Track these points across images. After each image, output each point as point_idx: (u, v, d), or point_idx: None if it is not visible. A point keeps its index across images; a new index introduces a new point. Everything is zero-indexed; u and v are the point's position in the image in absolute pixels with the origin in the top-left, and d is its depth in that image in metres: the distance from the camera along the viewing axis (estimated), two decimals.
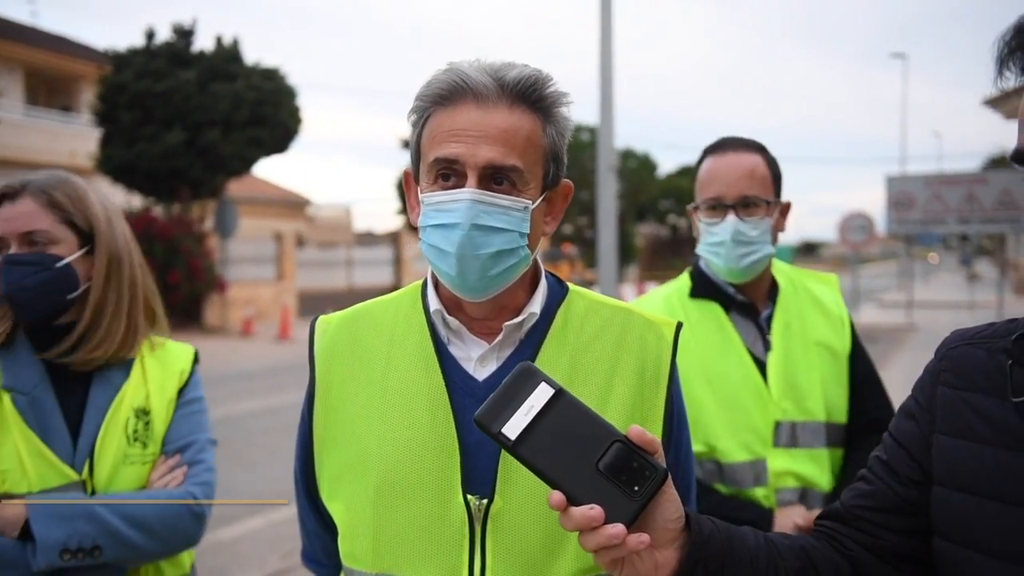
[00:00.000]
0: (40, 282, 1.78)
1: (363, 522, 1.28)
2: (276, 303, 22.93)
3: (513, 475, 1.24)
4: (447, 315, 1.33)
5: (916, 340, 17.59)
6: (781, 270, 2.29)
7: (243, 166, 20.45)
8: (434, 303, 1.34)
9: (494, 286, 1.28)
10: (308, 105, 50.92)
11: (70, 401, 1.82)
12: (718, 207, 2.12)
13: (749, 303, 2.20)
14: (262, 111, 19.94)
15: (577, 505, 0.98)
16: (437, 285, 1.36)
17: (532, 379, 1.03)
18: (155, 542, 1.79)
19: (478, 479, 1.25)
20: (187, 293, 19.27)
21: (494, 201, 1.24)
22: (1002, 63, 1.00)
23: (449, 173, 1.25)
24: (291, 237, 25.14)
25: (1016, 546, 1.02)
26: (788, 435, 2.13)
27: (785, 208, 2.21)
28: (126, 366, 1.88)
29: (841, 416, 2.17)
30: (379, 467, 1.28)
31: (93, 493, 1.77)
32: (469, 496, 1.24)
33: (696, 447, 2.03)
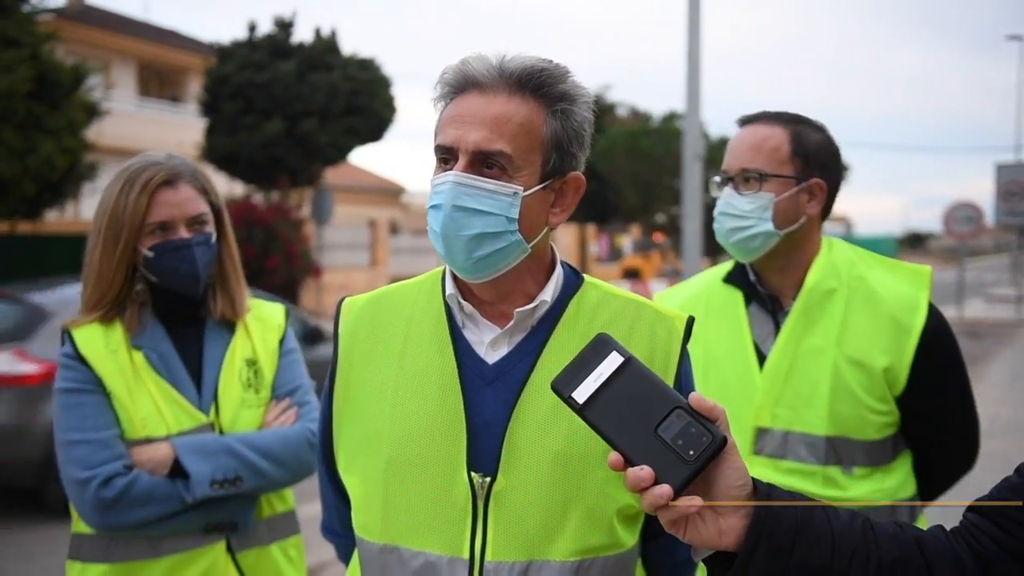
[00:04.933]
0: (211, 259, 2.04)
1: (374, 495, 1.34)
2: (369, 289, 23.29)
3: (516, 456, 1.28)
4: (461, 299, 1.37)
5: None
6: (841, 257, 2.05)
7: (339, 155, 20.93)
8: (450, 288, 1.39)
9: (484, 269, 1.31)
10: (402, 94, 51.74)
11: (189, 356, 2.05)
12: (724, 181, 2.04)
13: (771, 295, 2.06)
14: (358, 101, 20.34)
15: (633, 466, 1.01)
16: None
17: (605, 348, 1.08)
18: (283, 471, 2.03)
19: (483, 458, 1.29)
20: (284, 277, 19.85)
21: (477, 184, 1.28)
22: None
23: (447, 158, 1.31)
24: (385, 224, 25.65)
25: None
26: (777, 445, 1.97)
27: (816, 187, 2.00)
28: (231, 325, 2.11)
29: (862, 432, 1.94)
30: (390, 443, 1.33)
31: (221, 433, 2.00)
32: (473, 474, 1.29)
33: None
